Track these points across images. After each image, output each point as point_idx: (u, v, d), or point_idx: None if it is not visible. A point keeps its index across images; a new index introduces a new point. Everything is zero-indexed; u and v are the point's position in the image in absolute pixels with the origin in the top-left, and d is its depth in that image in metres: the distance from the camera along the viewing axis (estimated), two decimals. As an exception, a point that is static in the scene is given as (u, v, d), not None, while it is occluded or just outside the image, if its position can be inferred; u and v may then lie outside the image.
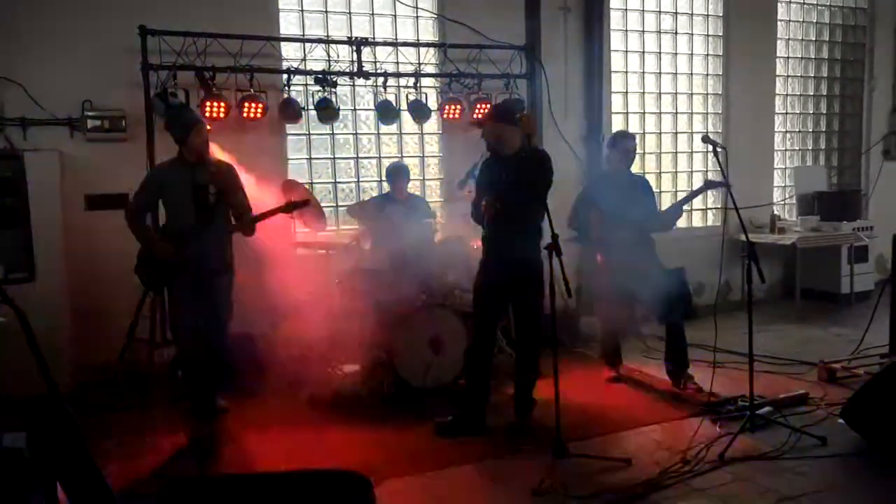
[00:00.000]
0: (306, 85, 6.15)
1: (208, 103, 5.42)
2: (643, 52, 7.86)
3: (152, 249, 4.42)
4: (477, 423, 4.44)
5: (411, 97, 6.29)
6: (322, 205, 5.85)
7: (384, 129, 6.63)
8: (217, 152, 4.93)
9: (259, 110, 5.64)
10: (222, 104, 5.47)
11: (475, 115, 6.28)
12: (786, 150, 8.85)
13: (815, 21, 8.89)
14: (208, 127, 4.59)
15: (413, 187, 6.46)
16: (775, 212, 8.39)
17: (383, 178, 6.32)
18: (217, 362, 4.49)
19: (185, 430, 4.30)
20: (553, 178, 4.40)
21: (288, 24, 6.34)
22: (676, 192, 8.11)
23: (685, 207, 5.54)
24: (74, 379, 5.10)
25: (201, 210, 4.33)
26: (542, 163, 4.40)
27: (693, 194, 5.50)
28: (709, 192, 8.21)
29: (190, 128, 4.37)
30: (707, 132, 7.90)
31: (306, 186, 5.89)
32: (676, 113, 8.09)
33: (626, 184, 5.28)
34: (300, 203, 4.57)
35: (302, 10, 6.40)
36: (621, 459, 3.93)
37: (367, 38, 6.25)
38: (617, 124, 7.64)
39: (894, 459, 3.88)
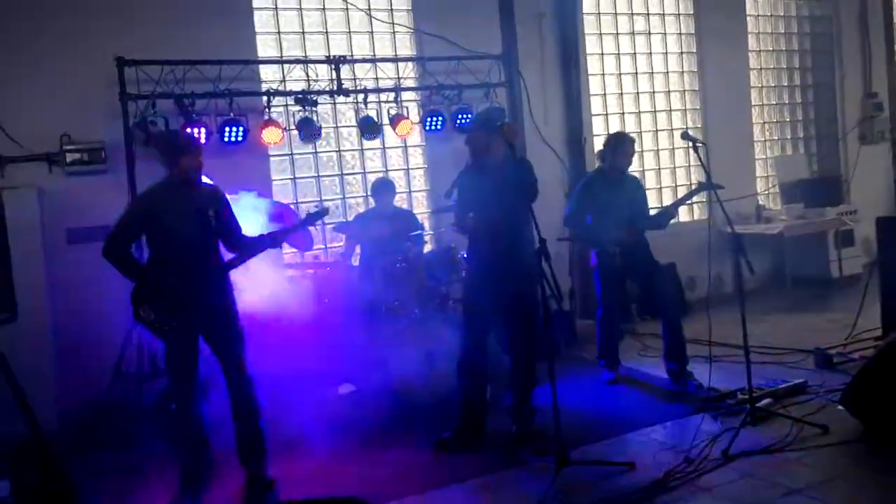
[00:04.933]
0: (286, 105, 6.03)
1: (189, 130, 5.27)
2: (619, 53, 7.81)
3: (155, 284, 3.80)
4: (475, 437, 4.28)
5: (392, 112, 6.18)
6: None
7: (367, 144, 6.50)
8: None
9: (240, 134, 5.50)
10: (203, 130, 5.34)
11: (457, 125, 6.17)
12: (765, 140, 8.82)
13: (782, 14, 8.90)
14: None
15: (399, 200, 6.35)
16: (760, 202, 8.36)
17: (369, 193, 6.18)
18: (251, 421, 3.96)
19: (178, 463, 4.03)
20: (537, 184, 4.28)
21: (266, 47, 6.22)
22: (661, 188, 8.09)
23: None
24: (62, 417, 4.89)
25: (204, 235, 3.89)
26: (528, 171, 4.28)
27: (687, 196, 5.44)
28: (694, 185, 8.16)
29: (183, 149, 3.91)
30: (686, 128, 7.82)
31: (291, 206, 5.73)
32: (655, 111, 8.04)
33: (618, 184, 5.23)
34: (321, 213, 4.22)
35: (279, 32, 6.27)
36: (624, 464, 3.79)
37: (345, 56, 6.14)
38: (597, 126, 7.57)
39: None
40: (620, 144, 5.26)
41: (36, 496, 3.56)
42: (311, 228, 4.99)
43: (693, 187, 5.73)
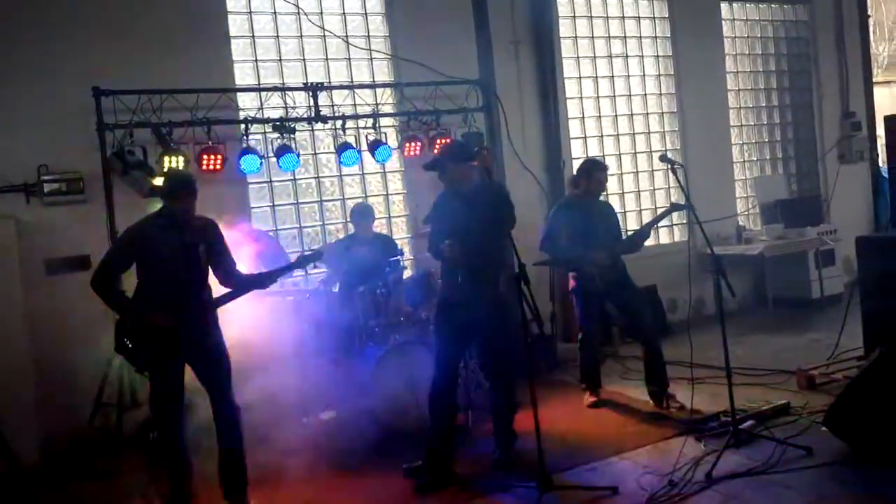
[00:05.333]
0: (265, 133, 6.12)
1: (166, 158, 5.35)
2: (596, 77, 8.00)
3: (141, 317, 3.87)
4: (445, 468, 4.25)
5: (371, 137, 6.28)
6: (288, 251, 5.77)
7: (346, 170, 6.61)
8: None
9: (218, 162, 5.57)
10: (181, 158, 5.41)
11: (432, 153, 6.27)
12: (744, 161, 9.01)
13: (759, 36, 9.13)
14: None
15: (379, 225, 6.45)
16: (740, 223, 8.50)
17: (348, 219, 6.28)
18: (235, 445, 4.05)
19: (160, 494, 4.10)
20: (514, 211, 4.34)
21: (243, 75, 6.36)
22: (641, 210, 8.22)
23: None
24: (42, 448, 4.93)
25: (192, 270, 3.96)
26: (505, 197, 4.35)
27: (659, 218, 5.54)
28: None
29: (190, 183, 4.01)
30: (665, 150, 8.03)
31: (270, 234, 5.82)
32: (634, 133, 8.21)
33: (592, 209, 5.37)
34: (316, 255, 4.25)
35: (256, 60, 6.42)
36: (607, 488, 3.86)
37: (322, 83, 6.27)
38: (576, 149, 7.74)
39: (880, 465, 3.85)
40: (595, 171, 5.39)
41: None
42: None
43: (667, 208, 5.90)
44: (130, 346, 3.88)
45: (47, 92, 5.43)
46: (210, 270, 4.09)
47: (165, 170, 5.20)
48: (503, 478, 4.16)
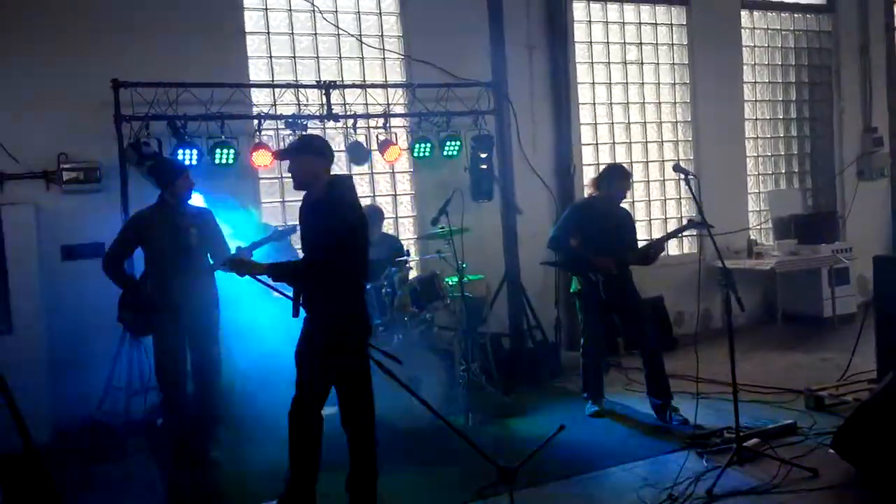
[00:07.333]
0: (277, 129, 6.63)
1: (180, 151, 5.83)
2: (610, 83, 8.41)
3: (145, 293, 4.84)
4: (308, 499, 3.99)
5: (381, 137, 6.77)
6: (297, 247, 6.27)
7: (356, 169, 7.08)
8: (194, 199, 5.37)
9: (231, 156, 6.06)
10: (194, 151, 5.89)
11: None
12: (759, 174, 9.39)
13: (780, 46, 9.50)
14: None
15: (386, 225, 6.89)
16: (752, 237, 8.86)
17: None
18: (210, 406, 4.92)
19: (167, 477, 4.64)
20: (351, 227, 3.82)
21: (257, 71, 6.86)
22: (651, 220, 8.65)
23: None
24: (54, 430, 5.45)
25: (184, 252, 4.76)
26: (336, 208, 3.86)
27: (674, 233, 5.88)
28: (684, 220, 8.79)
29: (178, 173, 4.93)
30: (678, 160, 8.43)
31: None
32: (647, 142, 8.63)
33: (609, 214, 5.59)
34: (289, 229, 4.75)
35: (270, 57, 6.93)
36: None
37: (335, 81, 6.77)
38: (587, 156, 8.18)
39: (889, 491, 3.93)
40: (618, 178, 5.58)
41: (26, 505, 4.13)
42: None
43: (684, 223, 6.08)
44: (129, 315, 4.91)
45: (68, 82, 5.96)
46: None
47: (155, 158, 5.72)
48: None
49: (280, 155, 4.31)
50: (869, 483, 4.05)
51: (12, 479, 4.27)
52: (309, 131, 6.49)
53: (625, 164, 8.28)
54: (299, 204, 4.07)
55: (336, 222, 3.79)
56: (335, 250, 3.75)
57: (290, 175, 4.00)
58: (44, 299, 5.60)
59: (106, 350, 5.57)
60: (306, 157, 3.89)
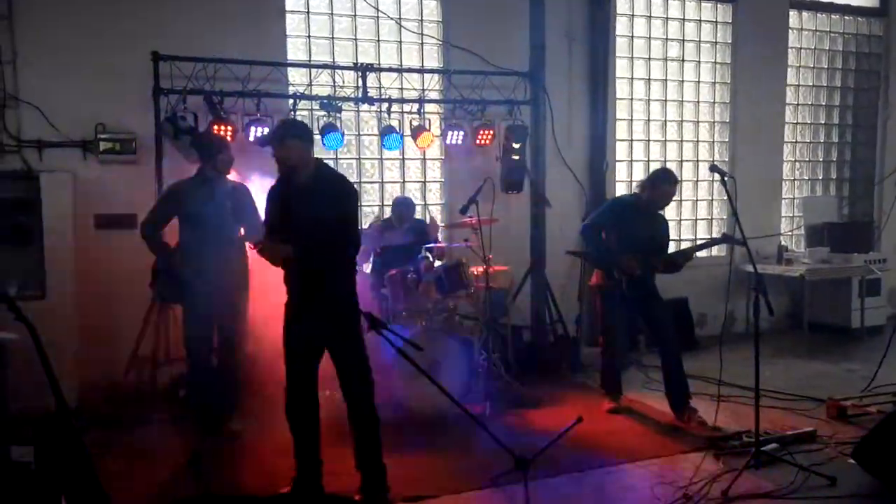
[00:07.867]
0: (311, 110, 6.75)
1: (216, 127, 5.95)
2: (649, 79, 8.42)
3: (171, 259, 5.04)
4: (314, 490, 4.14)
5: (415, 123, 6.85)
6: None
7: (387, 154, 7.19)
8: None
9: (265, 134, 6.08)
10: (229, 128, 6.01)
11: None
12: (794, 179, 9.36)
13: (827, 48, 9.41)
14: None
15: (416, 212, 6.95)
16: (782, 242, 8.85)
17: (386, 202, 6.92)
18: (229, 377, 5.11)
19: (187, 446, 4.78)
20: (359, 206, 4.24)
21: (295, 50, 6.97)
22: (681, 220, 8.68)
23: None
24: (81, 395, 5.66)
25: (219, 225, 4.93)
26: (344, 190, 4.07)
27: (707, 244, 5.95)
28: (715, 222, 8.85)
29: (222, 148, 5.17)
30: (713, 161, 8.40)
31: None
32: (682, 141, 8.64)
33: (647, 216, 5.63)
34: None
35: (309, 37, 7.04)
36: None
37: (372, 64, 6.85)
38: (621, 152, 8.21)
39: None
40: (662, 182, 5.56)
41: (56, 463, 4.34)
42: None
43: (715, 229, 6.12)
44: (163, 280, 5.12)
45: (109, 53, 6.13)
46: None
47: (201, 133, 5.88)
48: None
49: (265, 142, 4.34)
50: (890, 495, 4.06)
51: (43, 438, 4.48)
52: (343, 113, 6.62)
53: (657, 162, 8.39)
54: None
55: (353, 199, 4.14)
56: (356, 225, 4.08)
57: (276, 160, 4.06)
58: (77, 266, 5.79)
59: (134, 319, 5.76)
60: (293, 141, 4.00)
